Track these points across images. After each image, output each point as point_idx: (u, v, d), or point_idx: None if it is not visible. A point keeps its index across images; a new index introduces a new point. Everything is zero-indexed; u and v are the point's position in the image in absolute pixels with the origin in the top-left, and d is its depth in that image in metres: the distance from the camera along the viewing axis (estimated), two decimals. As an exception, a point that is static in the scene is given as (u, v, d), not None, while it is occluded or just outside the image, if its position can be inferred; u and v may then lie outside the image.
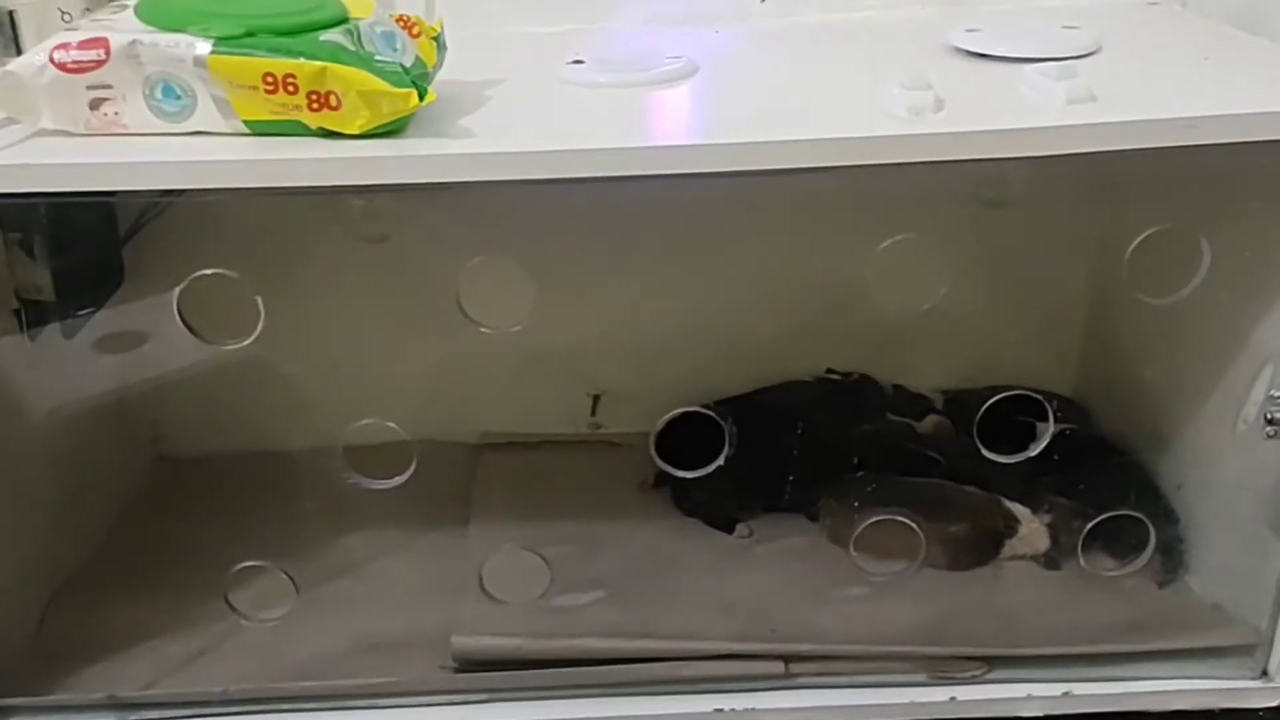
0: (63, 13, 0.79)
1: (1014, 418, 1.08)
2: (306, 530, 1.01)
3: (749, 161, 0.67)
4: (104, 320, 0.99)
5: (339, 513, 1.01)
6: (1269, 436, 0.75)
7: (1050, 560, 0.93)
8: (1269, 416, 0.74)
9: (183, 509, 1.07)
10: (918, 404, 1.10)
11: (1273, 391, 0.75)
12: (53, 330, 0.91)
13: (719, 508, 1.02)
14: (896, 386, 1.10)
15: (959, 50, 0.83)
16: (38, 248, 0.84)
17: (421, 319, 1.06)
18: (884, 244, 0.78)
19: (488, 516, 1.02)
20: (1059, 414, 1.08)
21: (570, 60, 0.82)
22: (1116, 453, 1.02)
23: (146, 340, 1.02)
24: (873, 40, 0.91)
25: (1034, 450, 0.85)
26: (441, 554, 0.98)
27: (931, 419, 1.08)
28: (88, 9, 0.79)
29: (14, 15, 0.78)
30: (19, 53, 0.78)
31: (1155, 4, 0.97)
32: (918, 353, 1.13)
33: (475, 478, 1.09)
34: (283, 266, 0.98)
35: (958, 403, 1.11)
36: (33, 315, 0.88)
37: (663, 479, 1.06)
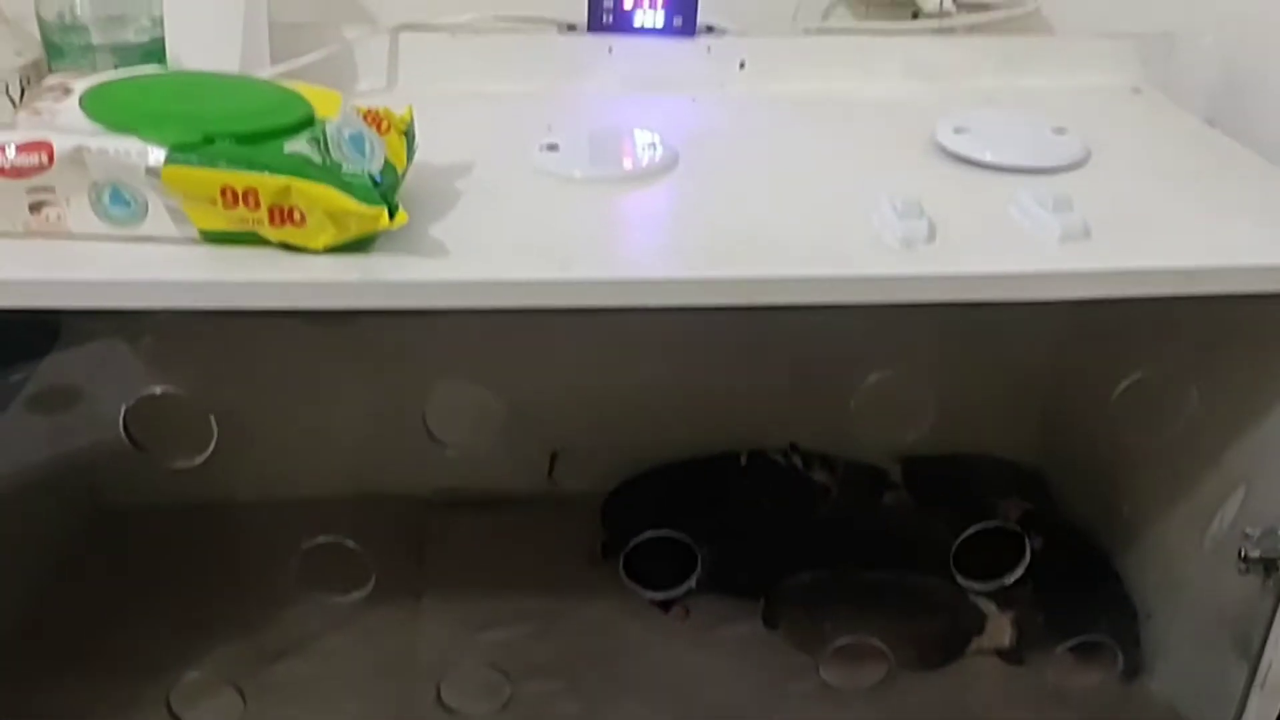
0: (-2, 81, 0.73)
1: (976, 489, 1.08)
2: (251, 597, 0.97)
3: (735, 297, 0.64)
4: (38, 376, 0.94)
5: (286, 574, 0.98)
6: (1242, 572, 0.74)
7: (1013, 655, 0.93)
8: (1243, 553, 0.74)
9: (121, 570, 1.02)
10: (875, 478, 1.08)
11: (1247, 529, 0.74)
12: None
13: (659, 583, 1.00)
14: (849, 463, 1.08)
15: (946, 152, 0.80)
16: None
17: (374, 369, 1.03)
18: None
19: (440, 591, 0.99)
20: (1018, 488, 1.09)
21: (544, 145, 0.79)
22: (1079, 536, 1.02)
23: (81, 398, 0.97)
24: (856, 126, 0.87)
25: (1009, 579, 0.84)
26: (393, 633, 0.95)
27: (890, 495, 1.07)
28: (25, 77, 0.74)
29: (-57, 82, 0.72)
30: (-52, 122, 0.72)
31: (1139, 92, 0.95)
32: (878, 414, 1.12)
33: (428, 541, 1.06)
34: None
35: (917, 472, 1.10)
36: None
37: (610, 549, 1.05)
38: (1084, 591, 0.93)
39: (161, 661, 0.91)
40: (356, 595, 0.81)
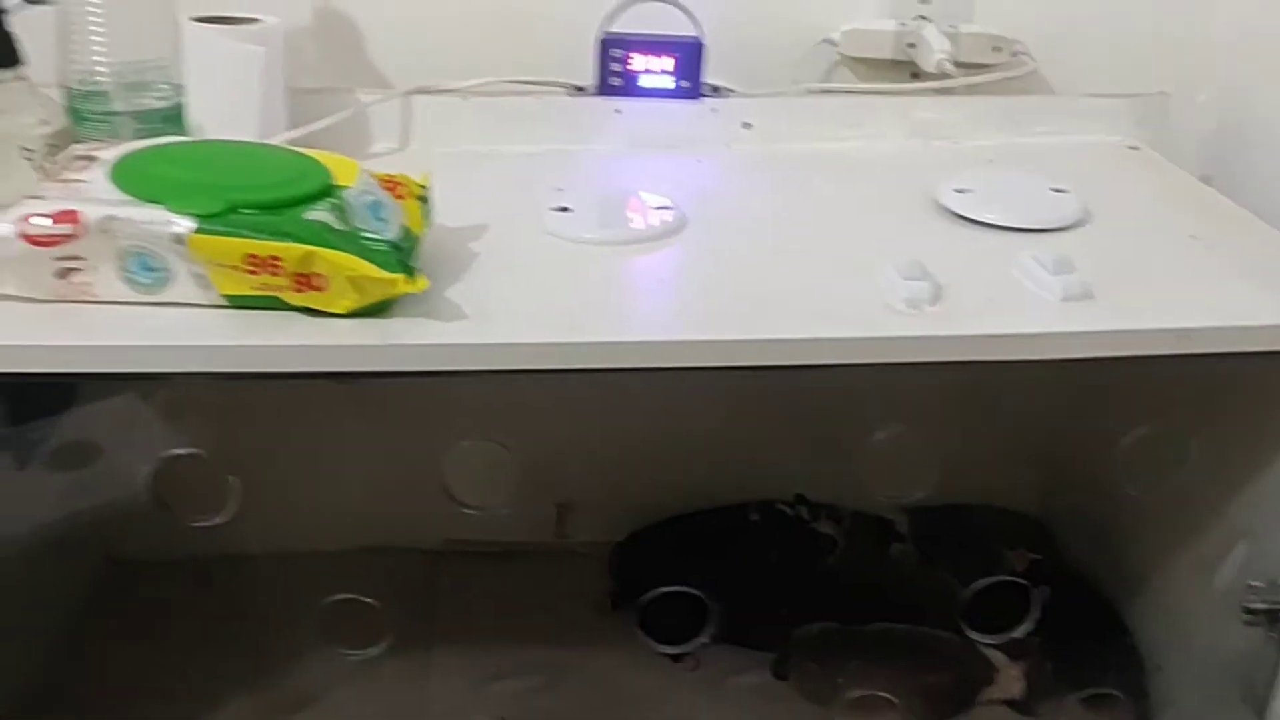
0: (24, 149, 0.75)
1: (982, 539, 1.09)
2: (264, 651, 0.98)
3: (744, 358, 0.66)
4: (57, 432, 0.96)
5: (299, 629, 0.99)
6: (1247, 624, 0.75)
7: (1024, 706, 0.94)
8: (1247, 606, 0.75)
9: (134, 624, 1.03)
10: (881, 529, 1.09)
11: (1251, 582, 0.75)
12: (2, 458, 0.87)
13: (669, 633, 1.00)
14: (856, 513, 1.09)
15: (948, 212, 0.82)
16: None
17: (386, 423, 1.04)
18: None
19: (451, 643, 1.00)
20: (1025, 539, 1.10)
21: (555, 206, 0.81)
22: (1086, 587, 1.03)
23: (99, 454, 0.98)
24: (859, 186, 0.89)
25: (1019, 631, 0.85)
26: (405, 685, 0.96)
27: (897, 547, 1.07)
28: (52, 145, 0.75)
29: (-27, 152, 0.74)
30: (-23, 191, 0.74)
31: (1136, 150, 0.98)
32: (885, 469, 1.13)
33: (439, 593, 1.07)
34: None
35: (924, 523, 1.11)
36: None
37: (620, 599, 1.06)
38: (1093, 642, 0.94)
39: (175, 716, 0.91)
40: (373, 651, 0.82)
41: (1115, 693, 0.88)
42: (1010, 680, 0.94)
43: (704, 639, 0.86)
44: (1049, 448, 1.15)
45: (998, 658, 0.95)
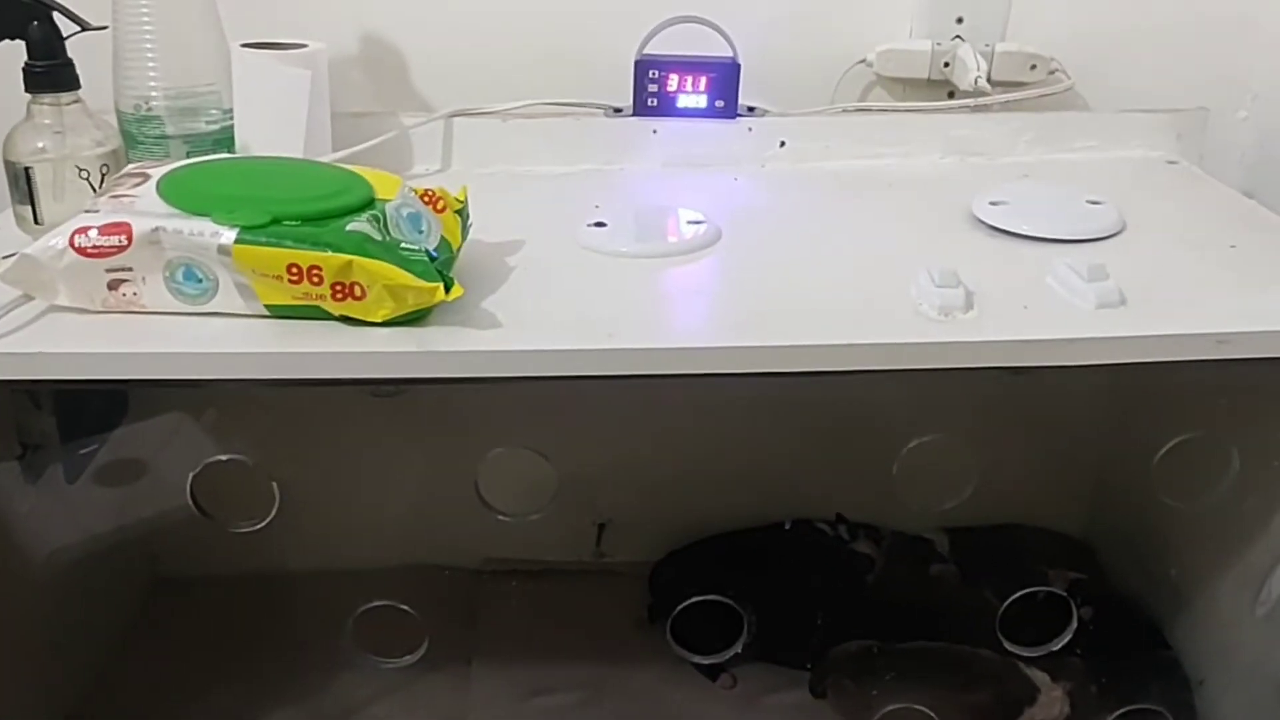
0: (79, 169, 0.77)
1: (1024, 560, 1.08)
2: (305, 664, 0.99)
3: (777, 364, 0.66)
4: (105, 449, 0.98)
5: (340, 641, 1.00)
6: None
7: (1069, 728, 0.93)
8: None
9: (178, 638, 1.05)
10: (922, 550, 1.08)
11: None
12: (55, 471, 0.90)
13: (706, 647, 1.00)
14: (896, 533, 1.09)
15: (983, 224, 0.82)
16: (44, 397, 0.83)
17: (425, 444, 1.06)
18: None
19: (490, 659, 1.00)
20: (1067, 559, 1.08)
21: (591, 222, 0.82)
22: (1128, 606, 1.01)
23: (146, 470, 1.00)
24: (894, 201, 0.90)
25: (1057, 644, 0.84)
26: (444, 700, 0.97)
27: (938, 567, 1.07)
28: (104, 165, 0.78)
29: (30, 171, 0.76)
30: (34, 209, 0.77)
31: (1174, 164, 0.97)
32: (923, 479, 1.12)
33: (478, 609, 1.07)
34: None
35: (964, 543, 1.10)
36: (36, 460, 0.86)
37: (657, 613, 1.06)
38: (1136, 661, 0.92)
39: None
40: (409, 659, 0.82)
41: (1159, 709, 0.86)
42: (1053, 701, 0.93)
43: (737, 649, 0.85)
44: (1091, 470, 1.14)
45: (1040, 678, 0.94)
